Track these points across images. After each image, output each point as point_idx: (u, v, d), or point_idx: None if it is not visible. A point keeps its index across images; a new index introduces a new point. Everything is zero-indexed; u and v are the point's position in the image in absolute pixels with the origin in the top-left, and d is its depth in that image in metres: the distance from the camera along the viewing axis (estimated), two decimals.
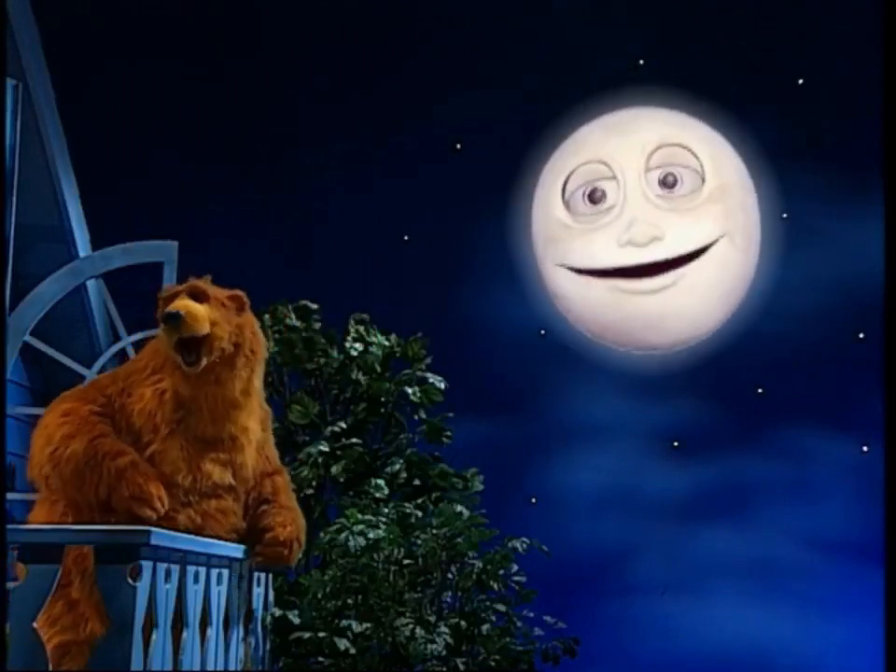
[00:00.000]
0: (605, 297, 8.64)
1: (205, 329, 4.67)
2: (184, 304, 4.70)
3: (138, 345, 6.69)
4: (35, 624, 3.90)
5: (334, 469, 6.38)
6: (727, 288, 8.65)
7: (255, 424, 4.98)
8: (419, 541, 5.57)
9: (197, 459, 4.73)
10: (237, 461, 4.86)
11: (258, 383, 4.99)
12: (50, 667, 3.98)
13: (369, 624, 5.29)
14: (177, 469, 4.68)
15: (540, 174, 8.86)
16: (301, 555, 5.71)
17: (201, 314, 4.69)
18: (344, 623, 5.29)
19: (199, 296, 4.79)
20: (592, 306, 8.70)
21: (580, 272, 8.69)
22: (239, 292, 4.99)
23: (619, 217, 8.55)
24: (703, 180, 8.57)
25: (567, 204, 8.71)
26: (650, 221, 8.49)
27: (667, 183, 8.52)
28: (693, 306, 8.59)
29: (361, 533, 5.48)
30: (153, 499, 4.50)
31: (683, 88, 8.68)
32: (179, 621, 4.36)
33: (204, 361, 4.67)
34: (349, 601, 5.42)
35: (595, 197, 8.59)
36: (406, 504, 5.97)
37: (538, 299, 8.87)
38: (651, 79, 8.78)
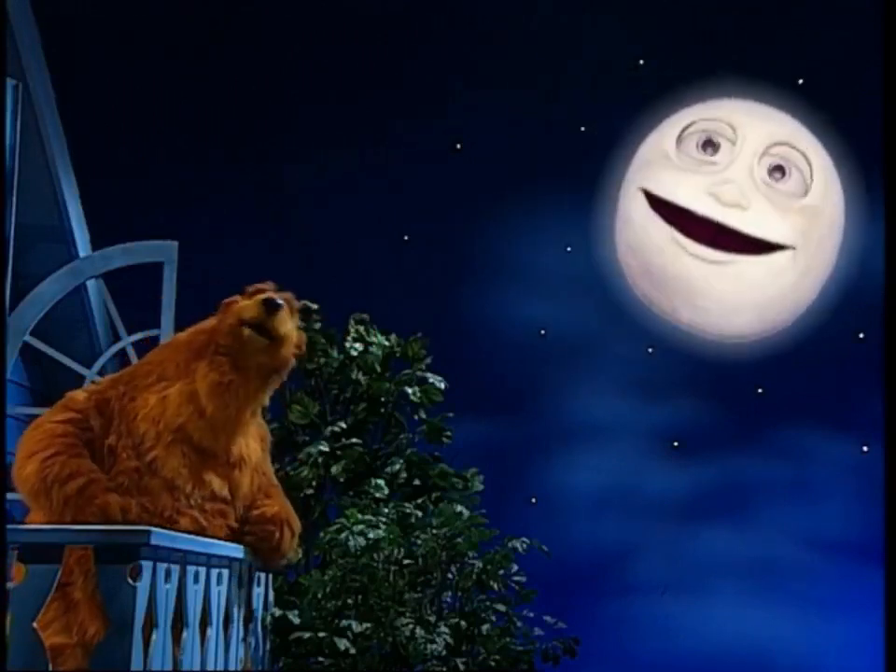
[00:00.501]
0: (661, 240, 8.73)
1: (285, 332, 4.78)
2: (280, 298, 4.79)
3: (138, 345, 6.70)
4: (35, 624, 3.90)
5: (334, 469, 6.38)
6: (768, 299, 8.67)
7: (255, 444, 5.00)
8: (419, 541, 5.57)
9: (198, 469, 4.73)
10: (234, 478, 4.87)
11: (265, 404, 5.05)
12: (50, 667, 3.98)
13: (369, 624, 5.29)
14: (178, 475, 4.68)
15: (665, 119, 8.89)
16: (300, 553, 5.72)
17: (289, 320, 4.83)
18: (344, 623, 5.29)
19: (290, 307, 4.89)
20: (646, 243, 8.78)
21: (656, 202, 8.76)
22: (304, 336, 5.10)
23: (719, 173, 8.64)
24: (806, 192, 8.64)
25: (679, 141, 8.80)
26: (744, 190, 8.56)
27: (776, 174, 8.60)
28: (727, 295, 8.62)
29: (361, 533, 5.48)
30: (114, 513, 4.49)
31: (695, 86, 8.73)
32: (179, 621, 4.36)
33: (265, 342, 4.69)
34: (349, 601, 5.42)
35: (707, 147, 8.70)
36: (406, 504, 5.96)
37: (540, 296, 8.87)
38: (651, 79, 8.79)
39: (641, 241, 8.83)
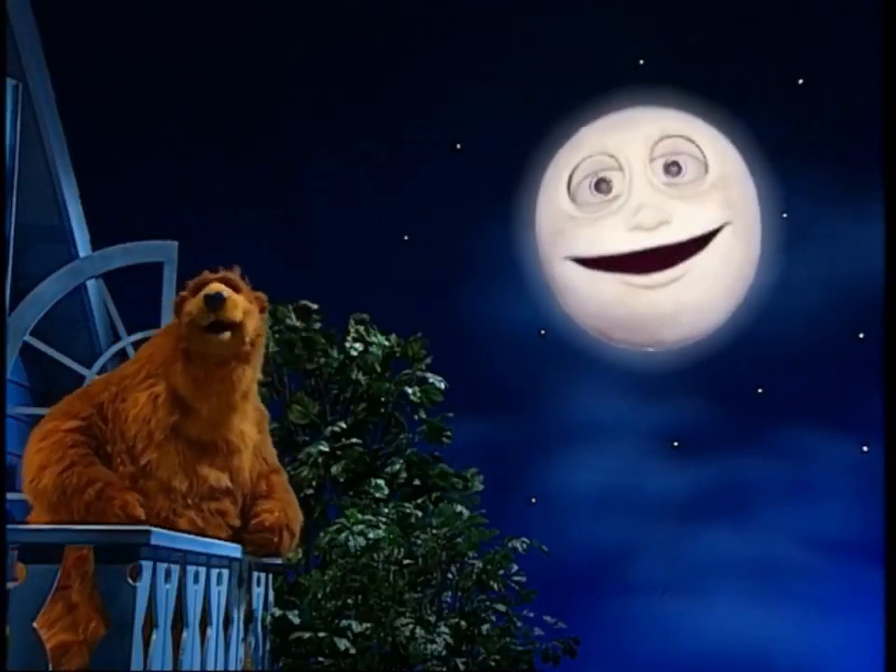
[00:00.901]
0: (614, 291, 8.65)
1: (240, 316, 4.71)
2: (223, 288, 4.73)
3: (138, 345, 6.68)
4: (35, 624, 3.90)
5: (334, 469, 6.38)
6: (732, 280, 8.69)
7: (251, 427, 4.97)
8: (419, 541, 5.57)
9: (193, 464, 4.72)
10: (234, 465, 4.85)
11: (255, 386, 5.00)
12: (50, 667, 3.98)
13: (369, 624, 5.29)
14: (174, 475, 4.67)
15: (545, 171, 8.86)
16: (300, 553, 5.72)
17: (239, 301, 4.74)
18: (344, 623, 5.29)
19: (233, 286, 4.81)
20: (602, 302, 8.71)
21: (588, 262, 8.70)
22: (262, 294, 5.00)
23: (626, 205, 8.59)
24: (706, 169, 8.63)
25: (573, 197, 8.73)
26: (657, 206, 8.55)
27: (672, 171, 8.57)
28: (701, 299, 8.62)
29: (361, 533, 5.48)
30: (135, 510, 4.49)
31: (684, 87, 8.70)
32: (179, 621, 4.36)
33: (227, 336, 4.67)
34: (349, 601, 5.42)
35: (601, 187, 8.63)
36: (406, 504, 5.96)
37: (541, 296, 8.87)
38: (651, 79, 8.78)
39: (595, 303, 8.76)
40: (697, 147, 8.64)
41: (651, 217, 8.47)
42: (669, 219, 8.50)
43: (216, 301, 4.64)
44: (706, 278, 8.59)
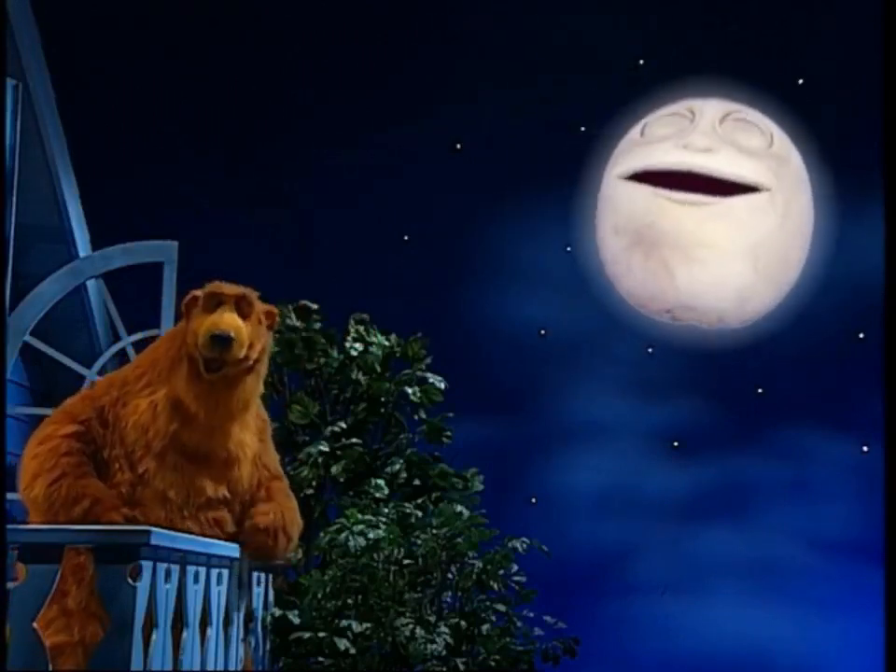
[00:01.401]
0: (645, 202, 8.82)
1: (244, 353, 4.68)
2: (233, 323, 4.66)
3: (138, 345, 6.69)
4: (35, 625, 3.90)
5: (334, 469, 6.38)
6: (758, 240, 8.70)
7: (251, 436, 4.95)
8: (419, 541, 5.56)
9: (190, 474, 4.71)
10: (232, 476, 4.84)
11: (258, 396, 4.99)
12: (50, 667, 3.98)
13: (369, 624, 5.29)
14: (170, 485, 4.65)
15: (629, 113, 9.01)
16: (300, 553, 5.72)
17: (244, 338, 4.68)
18: (344, 623, 5.28)
19: (245, 311, 4.76)
20: (632, 210, 8.87)
21: (633, 176, 8.90)
22: (274, 309, 4.97)
23: (685, 131, 8.81)
24: (770, 144, 8.81)
25: (642, 132, 8.96)
26: (711, 139, 8.74)
27: (739, 129, 8.75)
28: (720, 236, 8.67)
29: (361, 533, 5.48)
30: None
31: (695, 86, 8.78)
32: (179, 621, 4.35)
33: (225, 371, 4.66)
34: (349, 601, 5.42)
35: (671, 125, 8.84)
36: (406, 504, 5.96)
37: (541, 296, 8.87)
38: (659, 79, 8.83)
39: (626, 214, 8.95)
40: (770, 128, 8.82)
41: (701, 142, 8.70)
42: (718, 149, 8.69)
43: (222, 342, 4.62)
44: (731, 222, 8.66)
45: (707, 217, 8.63)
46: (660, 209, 8.71)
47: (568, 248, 8.93)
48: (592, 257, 8.91)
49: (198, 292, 4.82)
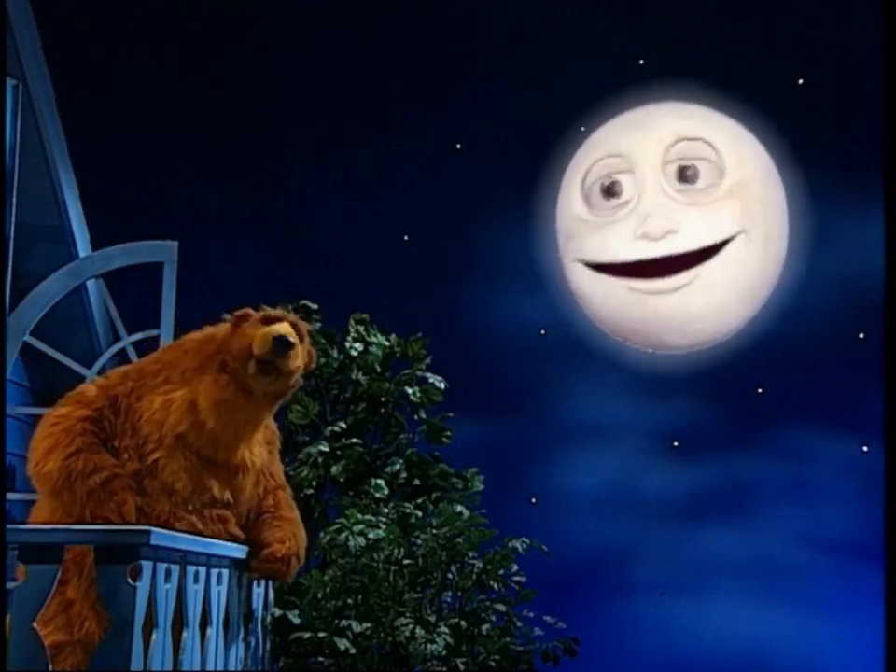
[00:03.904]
0: (623, 296, 8.53)
1: (295, 367, 4.77)
2: (294, 334, 4.76)
3: (138, 345, 6.71)
4: (35, 625, 3.90)
5: (334, 469, 6.38)
6: (745, 288, 8.53)
7: (258, 447, 4.99)
8: (419, 541, 5.57)
9: (199, 472, 4.73)
10: (236, 483, 4.87)
11: (270, 417, 5.04)
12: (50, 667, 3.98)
13: (369, 624, 5.30)
14: (178, 479, 4.68)
15: (564, 172, 8.80)
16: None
17: (300, 353, 4.80)
18: (344, 623, 5.29)
19: (302, 334, 4.86)
20: (612, 306, 8.61)
21: (595, 267, 8.61)
22: (313, 351, 5.05)
23: (635, 211, 8.43)
24: (722, 174, 8.44)
25: (586, 199, 8.61)
26: (665, 215, 8.37)
27: (685, 177, 8.39)
28: (712, 306, 8.49)
29: (361, 533, 5.48)
30: (129, 514, 4.50)
31: (700, 80, 8.66)
32: (179, 621, 4.36)
33: (272, 379, 4.71)
34: (349, 601, 5.42)
35: (612, 191, 8.49)
36: (406, 504, 5.97)
37: (546, 295, 8.86)
38: (659, 79, 8.75)
39: (602, 305, 8.66)
40: (714, 150, 8.41)
41: (659, 227, 8.31)
42: (677, 229, 8.31)
43: (283, 346, 4.68)
44: (715, 286, 8.45)
45: (691, 293, 8.42)
46: (640, 302, 8.47)
47: None
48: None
49: (250, 310, 4.87)
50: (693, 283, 8.43)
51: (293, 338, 4.73)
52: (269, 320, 4.80)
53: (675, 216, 8.36)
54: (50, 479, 4.57)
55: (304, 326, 4.95)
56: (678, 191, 8.40)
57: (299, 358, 4.77)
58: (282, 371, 4.71)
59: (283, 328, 4.75)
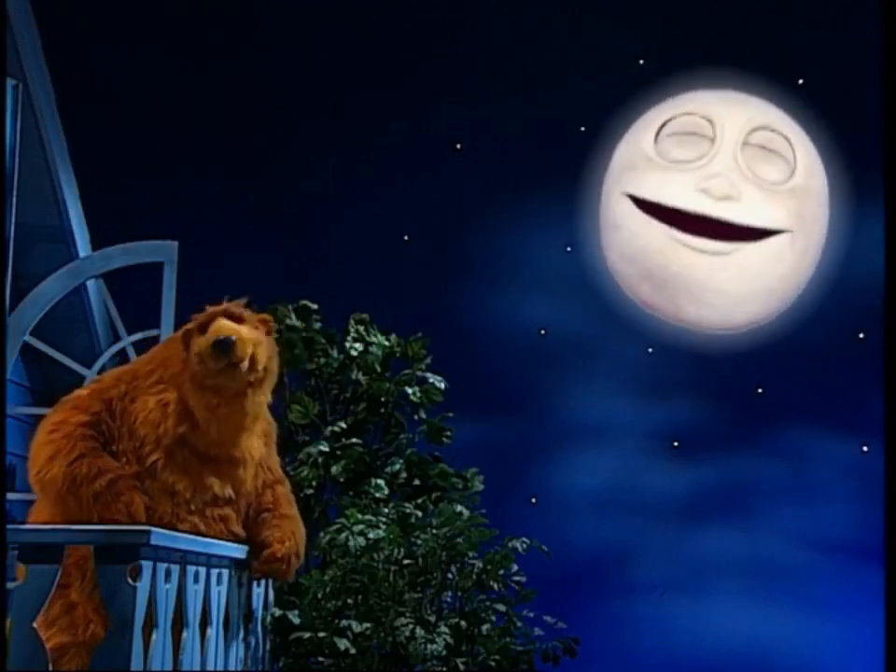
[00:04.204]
0: (657, 240, 8.59)
1: (250, 350, 4.69)
2: (230, 328, 4.70)
3: (138, 345, 6.70)
4: (34, 625, 3.90)
5: (334, 469, 6.38)
6: (769, 286, 8.60)
7: (257, 441, 4.98)
8: (419, 541, 5.57)
9: (198, 471, 4.73)
10: (237, 477, 4.86)
11: (266, 405, 5.01)
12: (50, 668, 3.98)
13: (369, 624, 5.29)
14: (178, 479, 4.67)
15: (634, 121, 8.82)
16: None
17: (247, 337, 4.72)
18: (344, 623, 5.29)
19: (235, 319, 4.79)
20: (642, 246, 8.64)
21: (645, 205, 8.63)
22: (267, 316, 5.00)
23: (703, 168, 8.53)
24: (792, 173, 8.56)
25: (657, 141, 8.69)
26: (732, 181, 8.46)
27: (760, 159, 8.49)
28: (732, 285, 8.54)
29: (361, 533, 5.48)
30: (138, 513, 4.50)
31: (695, 87, 8.69)
32: (179, 621, 4.35)
33: (240, 370, 4.67)
34: (349, 601, 5.42)
35: (688, 143, 8.57)
36: (406, 504, 5.96)
37: (544, 295, 8.86)
38: (663, 75, 8.76)
39: (636, 246, 8.69)
40: (793, 150, 8.57)
41: (721, 188, 8.43)
42: (738, 197, 8.44)
43: (225, 347, 4.63)
44: (746, 270, 8.53)
45: (721, 264, 8.48)
46: (673, 252, 8.51)
47: (569, 248, 8.92)
48: (592, 256, 8.90)
49: (189, 325, 4.83)
50: (730, 255, 8.48)
51: (230, 333, 4.65)
52: (203, 327, 4.75)
53: (739, 185, 8.44)
54: (55, 485, 4.56)
55: (236, 307, 4.85)
56: (750, 169, 8.49)
57: (248, 343, 4.67)
58: (238, 363, 4.66)
59: (219, 327, 4.70)
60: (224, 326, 4.71)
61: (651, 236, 8.66)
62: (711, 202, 8.47)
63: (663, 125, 8.75)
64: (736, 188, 8.48)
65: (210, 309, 4.85)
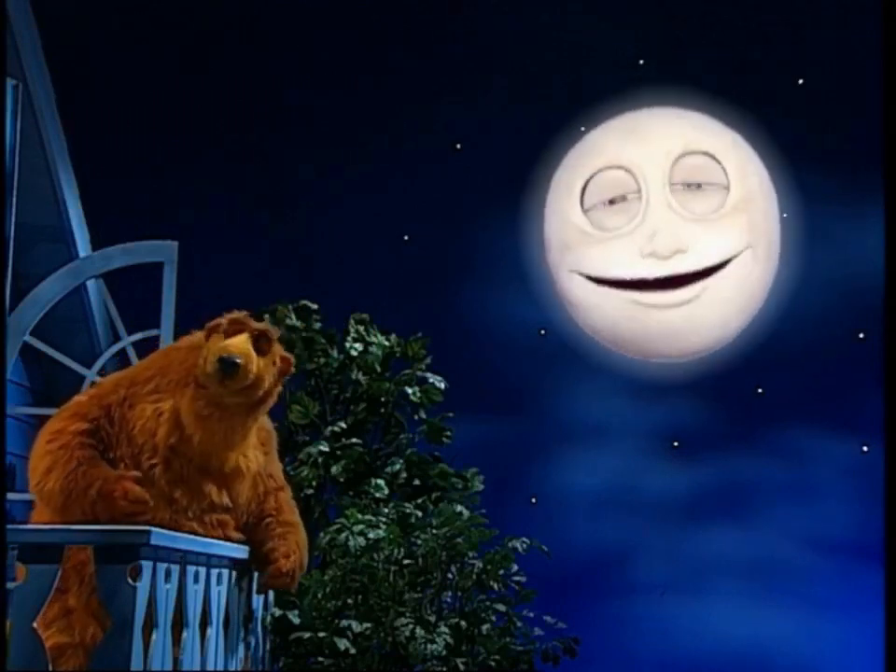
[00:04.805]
0: (622, 309, 8.48)
1: (250, 381, 4.64)
2: (245, 350, 4.64)
3: (138, 345, 6.70)
4: (34, 625, 3.90)
5: (334, 469, 6.38)
6: (746, 300, 8.53)
7: (253, 451, 4.95)
8: (419, 541, 5.57)
9: (196, 480, 4.71)
10: (233, 488, 4.85)
11: (261, 419, 5.00)
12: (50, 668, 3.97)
13: (369, 624, 5.29)
14: (175, 487, 4.66)
15: (555, 172, 8.72)
16: None
17: (253, 367, 4.65)
18: (344, 623, 5.29)
19: (263, 347, 4.74)
20: (608, 317, 8.55)
21: (597, 280, 8.55)
22: (291, 358, 4.94)
23: (640, 227, 8.38)
24: (728, 189, 8.42)
25: (585, 210, 8.53)
26: (673, 233, 8.32)
27: (692, 191, 8.33)
28: (713, 320, 8.46)
29: (361, 533, 5.48)
30: (141, 508, 4.49)
31: (695, 87, 8.63)
32: (179, 621, 4.35)
33: (229, 392, 4.63)
34: (349, 601, 5.42)
35: (615, 204, 8.41)
36: (406, 504, 5.97)
37: (542, 299, 8.86)
38: (659, 79, 8.73)
39: (604, 319, 8.62)
40: (720, 165, 8.40)
41: (667, 246, 8.26)
42: (685, 248, 8.27)
43: (229, 367, 4.59)
44: (719, 299, 8.43)
45: (696, 308, 8.39)
46: (644, 315, 8.43)
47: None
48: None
49: (222, 319, 4.81)
50: (698, 297, 8.40)
51: (241, 357, 4.61)
52: (231, 328, 4.71)
53: (683, 233, 8.30)
54: (53, 499, 4.56)
55: (271, 333, 4.80)
56: (685, 208, 8.35)
57: (251, 374, 4.64)
58: (235, 389, 4.64)
59: (234, 346, 4.65)
60: (243, 345, 4.67)
61: (614, 306, 8.54)
62: (662, 262, 8.33)
63: (584, 186, 8.59)
64: (681, 238, 8.32)
65: (248, 321, 4.79)
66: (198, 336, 4.88)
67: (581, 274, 8.60)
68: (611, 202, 8.41)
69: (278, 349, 4.85)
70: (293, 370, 5.00)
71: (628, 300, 8.47)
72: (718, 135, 8.57)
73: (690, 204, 8.40)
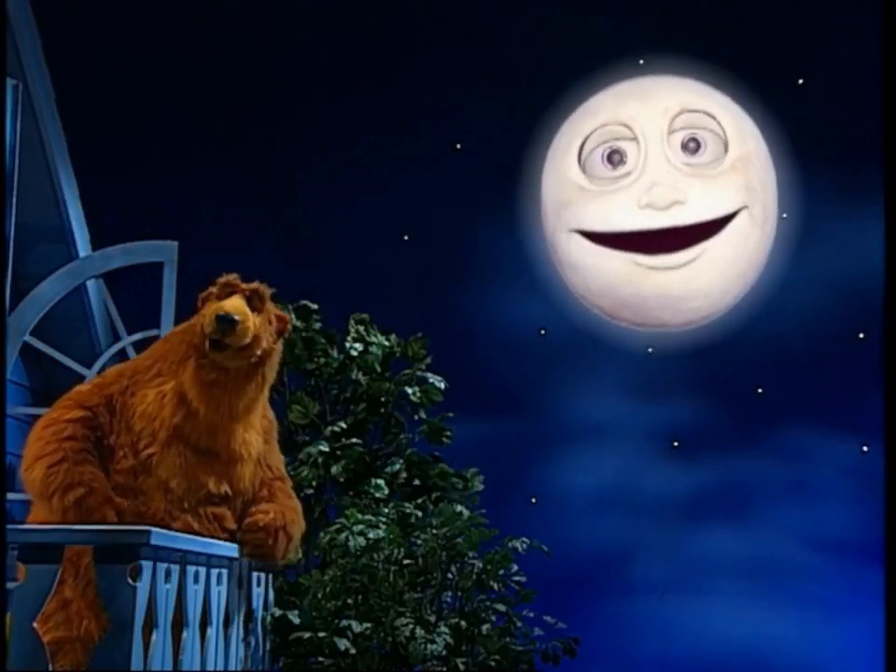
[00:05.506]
0: (622, 270, 8.44)
1: (248, 341, 4.68)
2: (240, 308, 4.69)
3: (138, 345, 6.71)
4: (35, 624, 3.90)
5: (334, 469, 6.38)
6: (745, 265, 8.49)
7: (255, 436, 4.96)
8: (419, 541, 5.57)
9: (194, 468, 4.72)
10: (234, 474, 4.85)
11: (264, 398, 4.99)
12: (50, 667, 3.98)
13: (369, 624, 5.29)
14: (173, 475, 4.67)
15: (553, 138, 8.69)
16: (300, 553, 5.71)
17: (251, 324, 4.70)
18: (344, 623, 5.29)
19: (256, 305, 4.79)
20: (607, 280, 8.47)
21: (596, 237, 8.48)
22: (286, 316, 4.99)
23: (639, 180, 8.36)
24: (726, 148, 8.40)
25: (583, 167, 8.50)
26: (671, 185, 8.31)
27: (690, 148, 8.32)
28: (712, 284, 8.41)
29: (361, 533, 5.48)
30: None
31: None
32: (179, 621, 4.35)
33: (230, 353, 4.65)
34: (349, 601, 5.42)
35: (614, 159, 8.38)
36: (406, 504, 5.97)
37: (542, 298, 8.85)
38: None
39: (602, 282, 8.54)
40: (718, 123, 8.39)
41: (665, 196, 8.26)
42: (684, 199, 8.27)
43: (226, 324, 4.62)
44: (718, 263, 8.40)
45: (694, 272, 8.32)
46: (641, 277, 8.36)
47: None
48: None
49: (212, 287, 4.84)
50: (699, 259, 8.39)
51: (238, 315, 4.64)
52: (223, 291, 4.77)
53: (681, 186, 8.31)
54: (34, 488, 4.60)
55: (263, 291, 4.85)
56: (683, 162, 8.35)
57: (249, 332, 4.67)
58: (233, 348, 4.67)
59: (229, 304, 4.69)
60: (238, 305, 4.71)
61: (613, 267, 8.50)
62: (660, 213, 8.32)
63: (582, 144, 8.57)
64: (679, 189, 8.31)
65: (239, 282, 4.84)
66: (193, 318, 4.91)
67: (579, 232, 8.55)
68: (609, 157, 8.39)
69: (272, 308, 4.89)
70: (290, 327, 5.02)
71: (627, 261, 8.44)
72: (715, 98, 8.58)
73: (689, 157, 8.40)
